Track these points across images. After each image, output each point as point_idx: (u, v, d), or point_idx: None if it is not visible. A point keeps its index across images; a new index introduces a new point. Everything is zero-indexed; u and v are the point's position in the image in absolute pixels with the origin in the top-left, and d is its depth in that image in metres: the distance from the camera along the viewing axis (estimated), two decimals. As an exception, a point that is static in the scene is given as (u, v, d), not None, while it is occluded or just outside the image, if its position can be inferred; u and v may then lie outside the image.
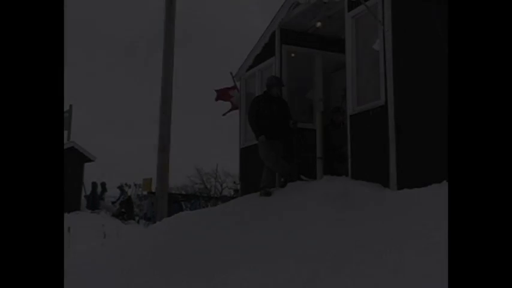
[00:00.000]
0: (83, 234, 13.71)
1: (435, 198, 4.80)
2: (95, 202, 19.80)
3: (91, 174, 20.42)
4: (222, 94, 9.47)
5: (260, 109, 7.30)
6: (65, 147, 19.14)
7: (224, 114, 9.34)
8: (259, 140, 7.21)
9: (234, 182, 28.51)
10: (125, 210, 19.75)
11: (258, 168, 7.41)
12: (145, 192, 21.84)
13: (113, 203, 20.76)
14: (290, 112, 7.46)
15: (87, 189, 20.01)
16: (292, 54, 8.07)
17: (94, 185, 20.22)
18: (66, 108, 20.38)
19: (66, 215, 17.00)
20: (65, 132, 20.09)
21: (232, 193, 25.79)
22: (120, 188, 21.59)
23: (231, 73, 9.02)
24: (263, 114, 7.26)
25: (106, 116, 54.05)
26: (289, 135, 7.35)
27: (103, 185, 20.50)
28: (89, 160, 19.90)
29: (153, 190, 16.75)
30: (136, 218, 19.92)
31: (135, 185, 23.53)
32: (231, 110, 9.40)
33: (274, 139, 7.17)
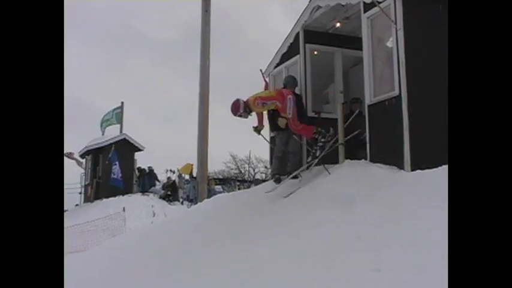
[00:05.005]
0: (136, 213, 14.12)
1: (444, 177, 4.80)
2: (144, 186, 20.23)
3: (141, 162, 20.89)
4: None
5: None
6: (118, 139, 19.63)
7: None
8: (271, 134, 7.53)
9: (265, 167, 28.58)
10: (171, 192, 20.09)
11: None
12: (187, 177, 22.08)
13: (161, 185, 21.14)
14: (305, 105, 7.56)
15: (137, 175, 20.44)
16: (315, 52, 8.07)
17: (143, 171, 20.64)
18: (118, 105, 20.89)
19: (121, 197, 17.51)
20: (118, 126, 20.58)
21: (264, 177, 25.87)
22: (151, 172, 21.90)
23: (261, 70, 9.04)
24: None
25: (153, 110, 54.84)
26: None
27: (140, 169, 20.84)
28: (139, 149, 20.32)
29: (194, 175, 17.00)
30: (181, 200, 20.24)
31: (178, 170, 23.85)
32: None
33: (287, 130, 7.30)
